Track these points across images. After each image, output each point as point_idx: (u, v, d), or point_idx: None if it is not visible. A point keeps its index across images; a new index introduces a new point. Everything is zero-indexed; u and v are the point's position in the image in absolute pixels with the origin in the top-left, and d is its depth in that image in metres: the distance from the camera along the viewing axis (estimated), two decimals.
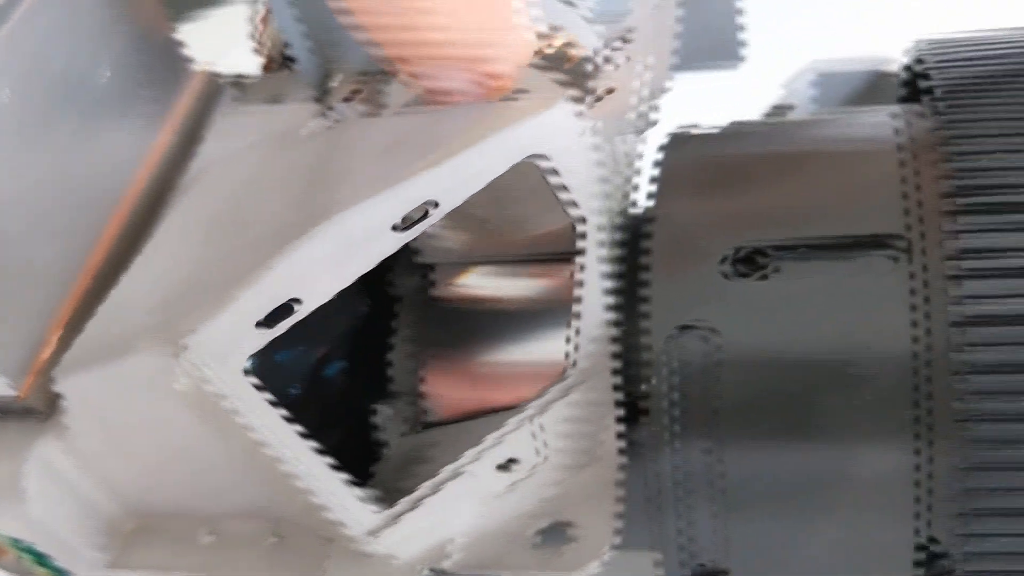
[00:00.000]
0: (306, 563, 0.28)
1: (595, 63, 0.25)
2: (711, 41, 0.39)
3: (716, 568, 0.27)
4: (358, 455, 0.30)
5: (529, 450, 0.26)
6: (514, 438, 0.26)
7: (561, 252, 0.26)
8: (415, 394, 0.30)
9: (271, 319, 0.22)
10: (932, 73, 0.25)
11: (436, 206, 0.22)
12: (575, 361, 0.26)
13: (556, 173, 0.23)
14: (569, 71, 0.29)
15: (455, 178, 0.22)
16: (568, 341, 0.26)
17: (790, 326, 0.24)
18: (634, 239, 0.27)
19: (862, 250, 0.25)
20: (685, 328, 0.25)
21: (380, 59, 0.24)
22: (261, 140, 0.31)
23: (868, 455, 0.24)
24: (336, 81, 0.32)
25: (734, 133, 0.29)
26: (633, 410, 0.26)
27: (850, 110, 0.35)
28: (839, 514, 0.25)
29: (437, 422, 0.30)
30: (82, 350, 0.26)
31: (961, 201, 0.23)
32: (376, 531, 0.26)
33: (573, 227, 0.24)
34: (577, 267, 0.25)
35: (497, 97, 0.24)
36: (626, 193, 0.29)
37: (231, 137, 0.33)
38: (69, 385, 0.26)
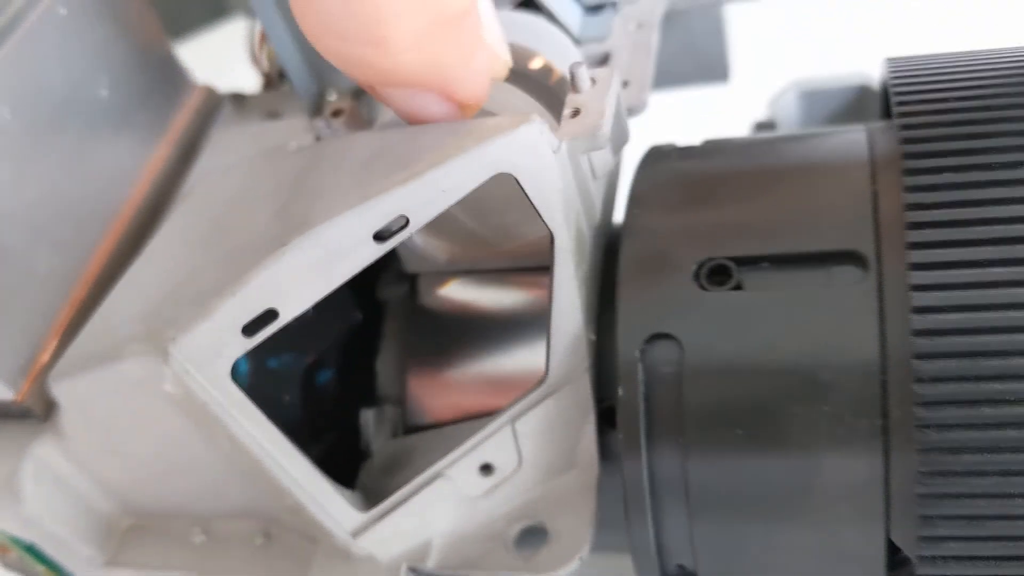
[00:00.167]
0: (293, 563, 0.29)
1: (570, 82, 0.26)
2: (697, 59, 0.40)
3: (685, 572, 0.28)
4: (349, 459, 0.31)
5: (507, 454, 0.27)
6: (492, 443, 0.27)
7: (543, 264, 0.26)
8: (400, 400, 0.31)
9: (253, 326, 0.23)
10: (898, 91, 0.26)
11: (408, 221, 0.23)
12: (550, 369, 0.27)
13: (523, 190, 0.24)
14: (555, 86, 0.30)
15: (426, 194, 0.23)
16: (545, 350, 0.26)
17: (756, 336, 0.25)
18: (611, 251, 0.28)
19: (830, 262, 0.25)
20: (655, 338, 0.25)
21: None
22: (250, 154, 0.32)
23: (834, 463, 0.24)
24: (331, 99, 0.33)
25: (710, 150, 0.30)
26: (610, 417, 0.27)
27: (829, 127, 0.36)
28: (806, 521, 0.25)
29: (421, 427, 0.31)
30: (75, 355, 0.27)
31: (919, 215, 0.23)
32: (358, 531, 0.27)
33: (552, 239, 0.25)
34: (551, 278, 0.26)
35: (470, 114, 0.25)
36: (605, 207, 0.29)
37: (228, 151, 0.34)
38: (63, 389, 0.27)
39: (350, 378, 0.34)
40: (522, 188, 0.24)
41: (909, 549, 0.24)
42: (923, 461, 0.23)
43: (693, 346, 0.25)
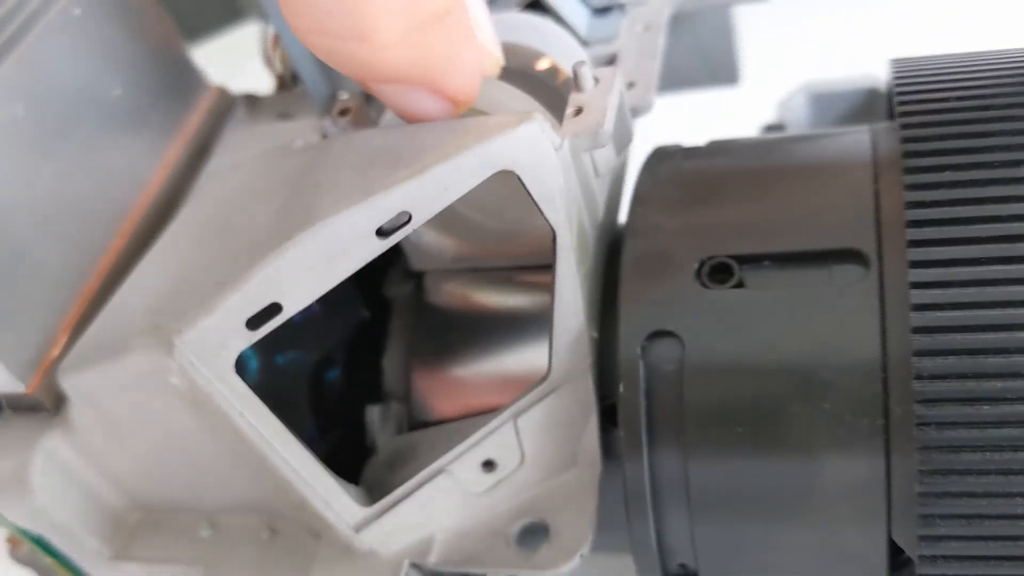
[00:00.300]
0: (297, 557, 0.29)
1: (574, 81, 0.26)
2: (708, 62, 0.40)
3: (687, 571, 0.28)
4: (355, 455, 0.31)
5: (509, 451, 0.27)
6: (495, 439, 0.27)
7: (549, 262, 0.27)
8: (406, 396, 0.32)
9: (257, 320, 0.24)
10: (900, 92, 0.26)
11: (410, 217, 0.23)
12: (552, 365, 0.27)
13: (525, 187, 0.24)
14: (561, 87, 0.30)
15: (428, 191, 0.23)
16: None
17: (758, 334, 0.25)
18: (615, 249, 0.28)
19: (831, 261, 0.25)
20: (656, 335, 0.26)
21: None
22: (258, 152, 0.32)
23: (835, 462, 0.24)
24: (342, 99, 0.34)
25: (713, 150, 0.30)
26: (612, 415, 0.27)
27: (836, 127, 0.36)
28: (808, 520, 0.25)
29: (426, 423, 0.31)
30: (84, 349, 0.27)
31: (919, 213, 0.23)
32: (361, 526, 0.27)
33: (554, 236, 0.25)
34: (553, 274, 0.26)
35: (462, 111, 0.25)
36: (609, 206, 0.29)
37: (239, 151, 0.34)
38: (72, 382, 0.27)
39: (357, 375, 0.34)
40: (524, 185, 0.24)
41: (910, 549, 0.24)
42: (923, 459, 0.23)
43: (694, 344, 0.25)
